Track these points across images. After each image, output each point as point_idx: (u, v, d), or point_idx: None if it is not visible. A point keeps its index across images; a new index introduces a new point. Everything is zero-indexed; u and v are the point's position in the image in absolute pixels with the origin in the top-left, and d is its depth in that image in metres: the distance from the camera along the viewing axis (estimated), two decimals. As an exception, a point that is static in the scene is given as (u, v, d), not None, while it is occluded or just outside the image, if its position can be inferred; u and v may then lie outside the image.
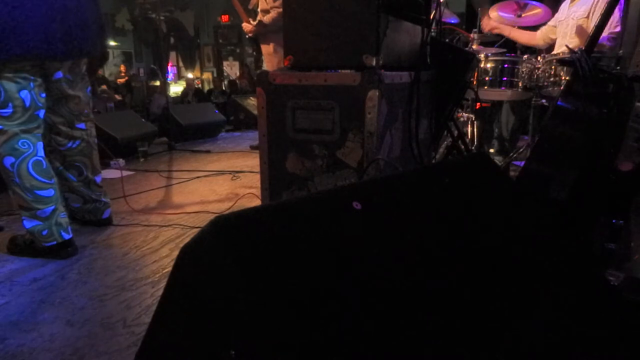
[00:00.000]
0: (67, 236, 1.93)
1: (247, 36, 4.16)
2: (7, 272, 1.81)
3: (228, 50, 13.96)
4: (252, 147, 4.55)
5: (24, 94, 1.78)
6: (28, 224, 1.88)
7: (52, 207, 1.88)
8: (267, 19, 3.83)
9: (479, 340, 0.78)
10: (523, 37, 3.35)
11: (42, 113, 1.89)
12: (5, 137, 1.78)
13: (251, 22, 4.00)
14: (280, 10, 3.71)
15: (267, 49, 4.03)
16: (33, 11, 1.69)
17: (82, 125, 2.13)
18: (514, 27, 3.35)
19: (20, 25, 1.66)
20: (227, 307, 0.63)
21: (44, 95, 1.89)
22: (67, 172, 2.15)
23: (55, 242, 1.90)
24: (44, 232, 1.88)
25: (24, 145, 1.81)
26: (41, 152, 1.88)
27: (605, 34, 2.64)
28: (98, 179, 2.24)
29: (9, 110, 1.76)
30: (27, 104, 1.79)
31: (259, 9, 3.98)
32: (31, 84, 1.79)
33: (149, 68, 12.84)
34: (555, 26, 3.17)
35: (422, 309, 0.76)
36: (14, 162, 1.80)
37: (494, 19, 3.34)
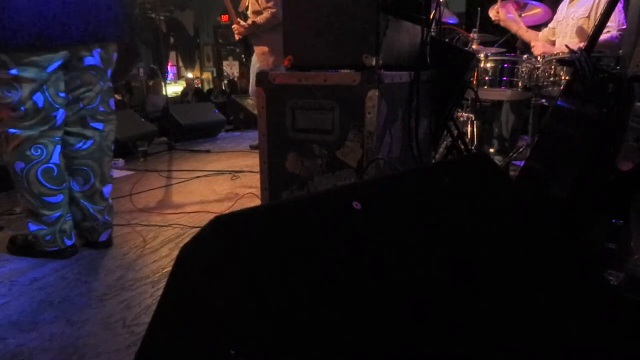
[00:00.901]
0: (69, 242, 1.92)
1: (236, 38, 4.17)
2: (7, 272, 1.81)
3: (228, 50, 13.97)
4: (252, 147, 4.54)
5: (37, 96, 1.72)
6: (33, 227, 1.86)
7: (59, 214, 1.86)
8: (260, 19, 3.84)
9: (479, 340, 0.78)
10: (528, 35, 3.34)
11: (60, 114, 1.80)
12: (17, 142, 1.74)
13: (241, 23, 4.00)
14: (274, 10, 3.74)
15: (261, 49, 4.03)
16: None
17: (98, 125, 1.95)
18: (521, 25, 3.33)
19: (30, 11, 1.59)
20: (227, 307, 0.63)
21: (63, 95, 1.80)
22: (72, 180, 1.96)
23: (57, 249, 1.89)
24: (48, 238, 1.87)
25: (37, 152, 1.76)
26: (55, 158, 1.81)
27: (614, 31, 2.64)
28: (106, 191, 2.02)
29: (21, 112, 1.71)
30: (40, 105, 1.73)
31: (249, 12, 3.99)
32: (44, 86, 1.72)
33: (149, 68, 12.84)
34: (554, 28, 3.16)
35: (422, 309, 0.76)
36: (24, 167, 1.77)
37: (493, 11, 3.34)
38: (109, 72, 1.94)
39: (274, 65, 3.90)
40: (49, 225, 1.86)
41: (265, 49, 3.97)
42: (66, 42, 1.70)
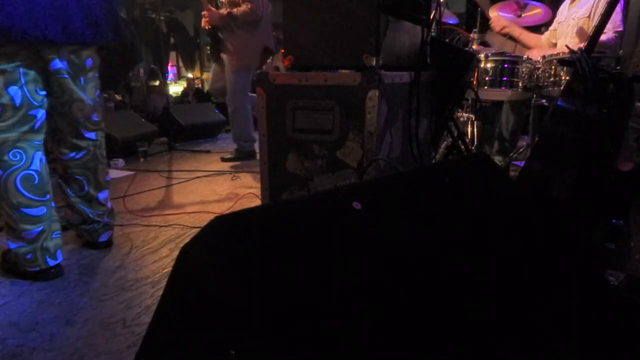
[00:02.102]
0: (52, 262, 1.72)
1: (206, 26, 3.81)
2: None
3: (228, 50, 13.94)
4: (224, 159, 4.08)
5: (13, 90, 1.56)
6: (12, 244, 1.69)
7: (40, 228, 1.68)
8: (237, 11, 3.61)
9: (478, 340, 0.78)
10: (530, 39, 3.33)
11: (40, 113, 1.65)
12: None
13: (213, 10, 3.70)
14: (252, 5, 3.53)
15: (230, 46, 3.78)
16: None
17: (91, 135, 1.89)
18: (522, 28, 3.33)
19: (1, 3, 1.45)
20: (227, 307, 0.63)
21: (42, 92, 1.66)
22: (67, 186, 1.92)
23: (38, 269, 1.70)
24: (28, 256, 1.69)
25: (15, 157, 1.60)
26: (36, 165, 1.65)
27: (610, 32, 2.64)
28: (102, 197, 1.99)
29: None
30: (18, 102, 1.58)
31: (224, 0, 3.71)
32: (21, 78, 1.57)
33: (149, 68, 12.83)
34: (555, 30, 3.16)
35: (421, 309, 0.76)
36: (1, 175, 1.60)
37: (494, 19, 3.34)
38: (82, 80, 1.79)
39: (247, 58, 3.71)
40: (28, 242, 1.68)
41: (237, 46, 3.74)
42: (35, 39, 1.54)
